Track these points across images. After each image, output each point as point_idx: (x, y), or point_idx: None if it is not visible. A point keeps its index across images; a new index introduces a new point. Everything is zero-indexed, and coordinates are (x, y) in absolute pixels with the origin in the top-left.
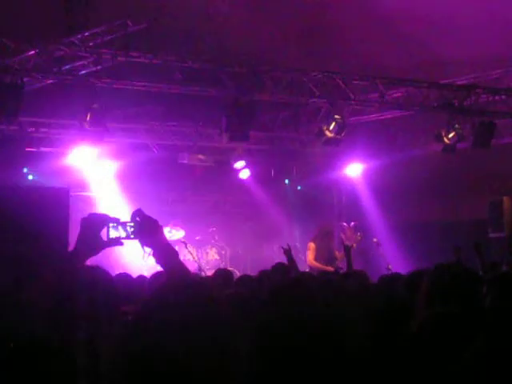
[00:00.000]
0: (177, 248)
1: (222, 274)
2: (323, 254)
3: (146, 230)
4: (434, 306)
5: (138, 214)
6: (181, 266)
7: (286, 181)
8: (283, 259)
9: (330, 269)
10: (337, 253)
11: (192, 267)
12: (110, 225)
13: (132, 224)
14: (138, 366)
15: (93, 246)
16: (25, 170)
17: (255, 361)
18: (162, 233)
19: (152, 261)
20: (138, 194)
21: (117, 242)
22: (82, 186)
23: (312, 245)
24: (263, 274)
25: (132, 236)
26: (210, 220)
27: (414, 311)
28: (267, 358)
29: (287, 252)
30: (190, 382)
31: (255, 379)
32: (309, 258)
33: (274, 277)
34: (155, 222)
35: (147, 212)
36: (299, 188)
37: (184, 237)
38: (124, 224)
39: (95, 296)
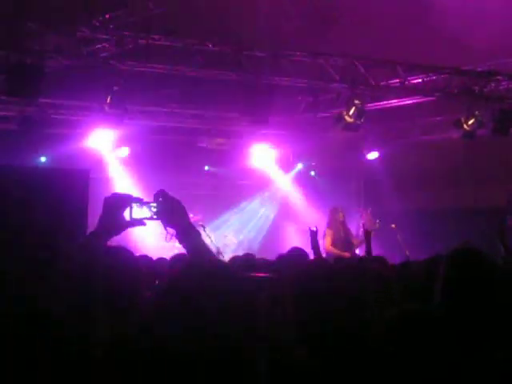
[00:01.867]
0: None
1: (245, 258)
2: (340, 240)
3: (170, 210)
4: (451, 294)
5: (161, 195)
6: (204, 248)
7: (299, 165)
8: (300, 243)
9: (347, 255)
10: (354, 239)
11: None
12: (133, 205)
13: (155, 204)
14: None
15: (115, 226)
16: (43, 152)
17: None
18: (185, 213)
19: (174, 242)
20: (156, 177)
21: (140, 222)
22: (101, 168)
23: (329, 231)
24: (281, 258)
25: (155, 216)
26: (228, 203)
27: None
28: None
29: (313, 234)
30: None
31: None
32: (326, 243)
33: (290, 261)
34: (178, 202)
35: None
36: (313, 174)
37: (202, 220)
38: (147, 204)
39: (118, 276)
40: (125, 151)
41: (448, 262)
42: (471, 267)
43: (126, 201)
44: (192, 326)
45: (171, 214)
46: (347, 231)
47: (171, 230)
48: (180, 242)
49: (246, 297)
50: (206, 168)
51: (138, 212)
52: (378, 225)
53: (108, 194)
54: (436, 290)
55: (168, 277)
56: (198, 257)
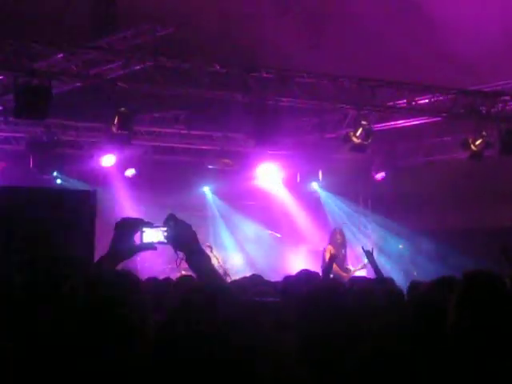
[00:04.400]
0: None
1: (253, 279)
2: (339, 260)
3: (180, 234)
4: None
5: (171, 219)
6: (213, 272)
7: (314, 184)
8: (308, 265)
9: (345, 276)
10: (349, 265)
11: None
12: (144, 229)
13: (165, 228)
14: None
15: (126, 250)
16: (54, 174)
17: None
18: (195, 238)
19: (184, 265)
20: (163, 198)
21: (150, 246)
22: (109, 188)
23: (330, 247)
24: (288, 281)
25: (165, 241)
26: (235, 224)
27: (444, 318)
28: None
29: (370, 255)
30: None
31: None
32: (327, 259)
33: (298, 284)
34: (189, 226)
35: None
36: (321, 194)
37: (209, 240)
38: (157, 228)
39: (123, 301)
40: (131, 172)
41: (465, 283)
42: (487, 289)
43: (136, 225)
44: (196, 351)
45: (181, 238)
46: (345, 254)
47: (181, 254)
48: (189, 266)
49: (248, 322)
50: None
51: (149, 236)
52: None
53: (118, 219)
54: (450, 311)
55: (174, 301)
56: (206, 281)
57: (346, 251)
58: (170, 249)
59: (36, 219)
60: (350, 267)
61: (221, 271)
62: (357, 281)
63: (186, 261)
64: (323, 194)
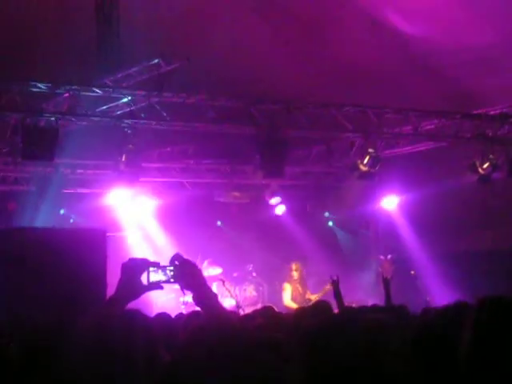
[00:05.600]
0: (215, 285)
1: (263, 312)
2: (298, 295)
3: (186, 273)
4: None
5: (176, 258)
6: (220, 309)
7: (326, 214)
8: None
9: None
10: (312, 295)
11: (230, 304)
12: (150, 269)
13: (171, 268)
14: None
15: (133, 291)
16: (62, 212)
17: None
18: (201, 276)
19: (191, 301)
20: (174, 233)
21: (157, 285)
22: (119, 226)
23: (287, 285)
24: (299, 314)
25: (172, 280)
26: (247, 257)
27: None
28: None
29: (335, 284)
30: None
31: None
32: (285, 298)
33: (313, 316)
34: (194, 265)
35: (184, 250)
36: (331, 224)
37: (221, 274)
38: (164, 268)
39: (133, 342)
40: (142, 208)
41: (479, 309)
42: (503, 315)
43: (142, 265)
44: None
45: (188, 277)
46: (304, 286)
47: (188, 293)
48: (197, 305)
49: (253, 359)
50: (219, 223)
51: (156, 276)
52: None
53: (125, 258)
54: (464, 338)
55: (182, 339)
56: (212, 319)
57: (304, 284)
58: None
59: (50, 259)
60: (311, 297)
61: (233, 304)
62: (367, 311)
63: (193, 299)
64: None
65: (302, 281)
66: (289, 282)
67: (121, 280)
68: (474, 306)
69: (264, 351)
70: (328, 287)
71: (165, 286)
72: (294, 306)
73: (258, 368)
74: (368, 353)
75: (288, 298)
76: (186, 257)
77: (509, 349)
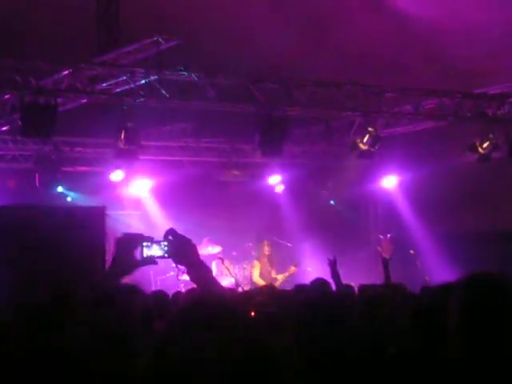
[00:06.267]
0: (214, 263)
1: (267, 291)
2: (266, 272)
3: (180, 248)
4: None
5: (170, 233)
6: (214, 284)
7: (325, 192)
8: (321, 274)
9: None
10: (275, 274)
11: (229, 283)
12: (144, 244)
13: (165, 243)
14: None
15: (127, 266)
16: (60, 190)
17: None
18: (195, 251)
19: (187, 277)
20: (173, 211)
21: (151, 260)
22: (118, 204)
23: (257, 263)
24: (297, 289)
25: (166, 255)
26: (246, 235)
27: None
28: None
29: (332, 264)
30: None
31: None
32: (254, 275)
33: (313, 292)
34: (188, 240)
35: (183, 229)
36: (332, 203)
37: (221, 252)
38: (158, 243)
39: (131, 314)
40: (142, 186)
41: (464, 287)
42: (490, 292)
43: (136, 240)
44: (191, 359)
45: (181, 252)
46: (272, 265)
47: (182, 267)
48: (190, 279)
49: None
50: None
51: (150, 251)
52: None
53: (120, 234)
54: (451, 316)
55: (175, 313)
56: (206, 292)
57: (272, 262)
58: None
59: (50, 235)
60: (277, 276)
61: (232, 283)
62: (367, 288)
63: (187, 273)
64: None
65: (271, 259)
66: (259, 259)
67: (114, 254)
68: (463, 281)
69: (258, 324)
70: (293, 268)
71: (163, 263)
72: (261, 282)
73: (250, 340)
74: (367, 325)
75: (257, 275)
76: (180, 232)
77: (494, 322)
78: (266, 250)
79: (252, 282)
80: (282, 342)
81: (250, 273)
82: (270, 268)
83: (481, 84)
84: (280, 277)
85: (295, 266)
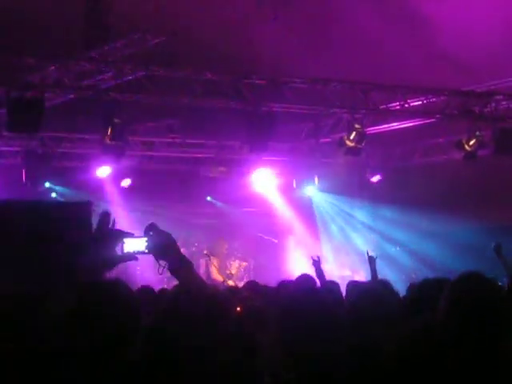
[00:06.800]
0: (203, 261)
1: (251, 286)
2: (221, 271)
3: (160, 244)
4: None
5: (151, 229)
6: (195, 278)
7: (309, 188)
8: (308, 270)
9: (231, 283)
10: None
11: (216, 279)
12: (125, 240)
13: (146, 238)
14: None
15: (107, 261)
16: (47, 185)
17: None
18: (175, 246)
19: (168, 273)
20: (159, 207)
21: (131, 256)
22: (105, 199)
23: (215, 259)
24: (282, 285)
25: (146, 250)
26: (233, 232)
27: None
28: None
29: (316, 263)
30: None
31: None
32: (213, 271)
33: (298, 288)
34: (168, 235)
35: (170, 225)
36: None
37: (207, 249)
38: (138, 238)
39: (115, 309)
40: (127, 182)
41: (453, 285)
42: (475, 291)
43: (117, 236)
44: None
45: (162, 247)
46: (225, 261)
47: (163, 263)
48: (172, 274)
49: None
50: (208, 199)
51: (130, 246)
52: None
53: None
54: (438, 313)
55: (159, 308)
56: (187, 287)
57: (225, 259)
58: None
59: (33, 231)
60: (232, 271)
61: (219, 278)
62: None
63: (168, 268)
64: (319, 199)
65: (226, 256)
66: (216, 256)
67: (96, 226)
68: (453, 279)
69: (241, 319)
70: (244, 264)
71: (148, 260)
72: (220, 278)
73: (232, 334)
74: (356, 320)
75: (216, 272)
76: (160, 227)
77: (479, 318)
78: (223, 250)
79: (212, 279)
80: (268, 336)
81: (236, 269)
82: (224, 265)
83: (468, 81)
84: (234, 271)
85: (313, 263)
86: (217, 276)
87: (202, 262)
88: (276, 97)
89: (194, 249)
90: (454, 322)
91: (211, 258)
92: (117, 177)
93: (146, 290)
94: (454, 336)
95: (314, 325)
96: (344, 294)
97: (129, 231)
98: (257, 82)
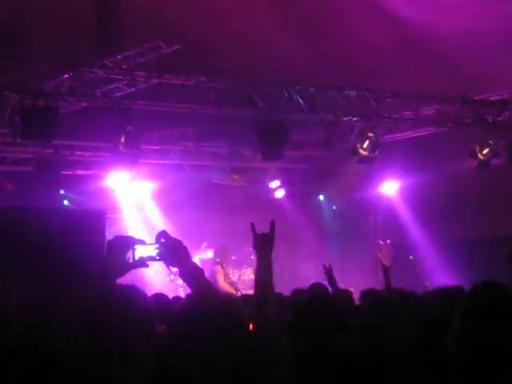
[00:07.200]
0: (215, 269)
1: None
2: (226, 279)
3: (171, 251)
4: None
5: (162, 236)
6: (207, 286)
7: (321, 197)
8: (320, 279)
9: (239, 294)
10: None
11: (228, 287)
12: (136, 247)
13: (157, 245)
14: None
15: (118, 268)
16: (61, 192)
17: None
18: (187, 253)
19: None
20: (173, 216)
21: (142, 263)
22: (118, 208)
23: (219, 268)
24: (297, 293)
25: (157, 257)
26: (245, 240)
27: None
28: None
29: (328, 271)
30: None
31: None
32: (220, 280)
33: (310, 297)
34: (180, 242)
35: (183, 233)
36: (334, 208)
37: (218, 256)
38: (149, 245)
39: (130, 315)
40: (141, 190)
41: (469, 295)
42: (492, 301)
43: (128, 243)
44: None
45: (173, 254)
46: (228, 269)
47: (174, 269)
48: (183, 281)
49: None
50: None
51: (141, 253)
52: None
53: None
54: (454, 322)
55: (172, 314)
56: (199, 295)
57: (228, 266)
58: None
59: (47, 238)
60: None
61: (232, 287)
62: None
63: (179, 275)
64: (329, 207)
65: (229, 263)
66: (220, 264)
67: (106, 257)
68: (469, 290)
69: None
70: (249, 270)
71: (163, 269)
72: (227, 287)
73: (242, 339)
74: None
75: (222, 280)
76: (172, 235)
77: (495, 333)
78: (226, 258)
79: (219, 288)
80: (281, 345)
81: (249, 277)
82: (227, 272)
83: (481, 90)
84: (246, 278)
85: (325, 271)
86: (226, 284)
87: (216, 268)
88: (288, 105)
89: (205, 256)
90: (468, 333)
91: (223, 265)
92: (130, 185)
93: (160, 296)
94: (467, 348)
95: (326, 332)
96: (357, 302)
97: (140, 238)
98: (269, 89)
